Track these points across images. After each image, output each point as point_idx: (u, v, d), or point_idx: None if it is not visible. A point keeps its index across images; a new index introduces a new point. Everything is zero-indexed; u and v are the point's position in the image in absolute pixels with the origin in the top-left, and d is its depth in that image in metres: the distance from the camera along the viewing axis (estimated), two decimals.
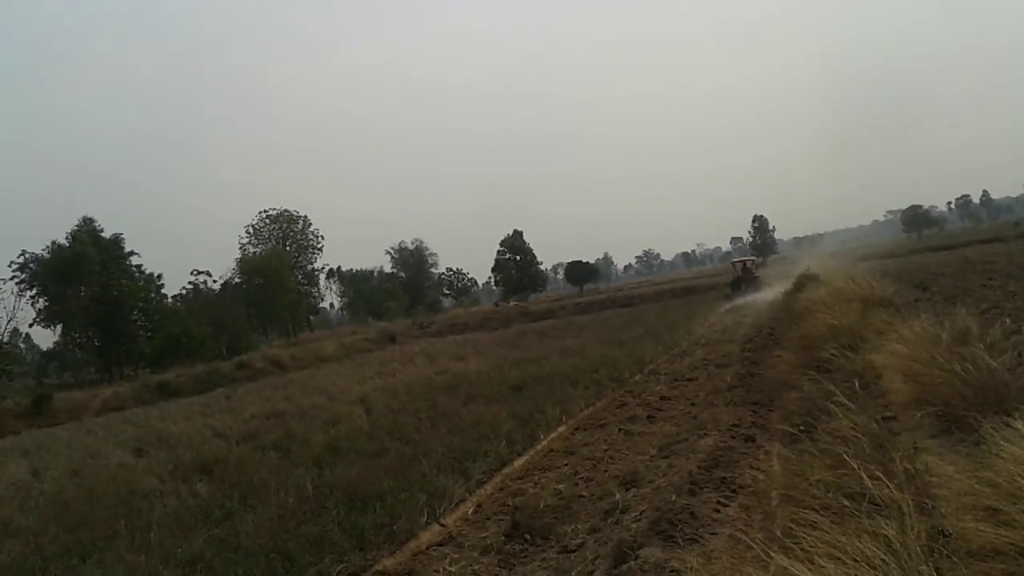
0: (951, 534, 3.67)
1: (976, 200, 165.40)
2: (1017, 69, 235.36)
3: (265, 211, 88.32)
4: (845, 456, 4.92)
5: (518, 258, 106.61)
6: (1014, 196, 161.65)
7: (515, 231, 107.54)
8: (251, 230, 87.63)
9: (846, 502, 4.12)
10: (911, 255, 55.81)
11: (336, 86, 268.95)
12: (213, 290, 73.44)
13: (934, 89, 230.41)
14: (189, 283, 74.05)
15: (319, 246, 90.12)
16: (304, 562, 7.10)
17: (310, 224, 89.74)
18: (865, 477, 4.24)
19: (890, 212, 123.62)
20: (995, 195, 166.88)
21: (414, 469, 9.89)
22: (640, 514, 7.03)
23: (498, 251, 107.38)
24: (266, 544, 7.63)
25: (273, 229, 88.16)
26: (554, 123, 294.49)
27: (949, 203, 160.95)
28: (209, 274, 74.62)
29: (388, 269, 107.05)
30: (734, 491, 7.29)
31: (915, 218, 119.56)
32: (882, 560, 3.21)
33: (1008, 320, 11.05)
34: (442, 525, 8.18)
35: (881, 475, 4.31)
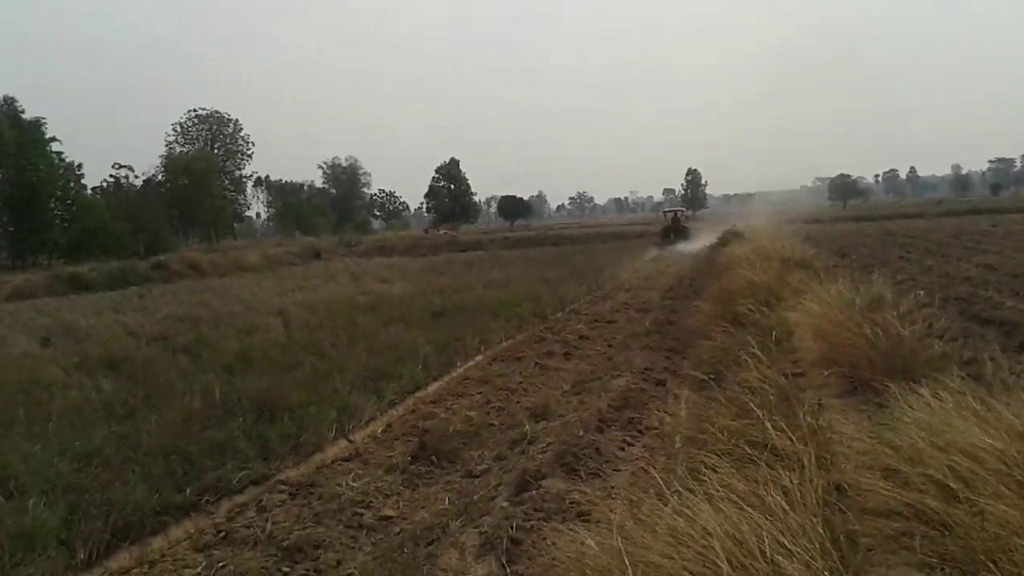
0: (847, 490, 3.77)
1: (903, 175, 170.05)
2: (949, 51, 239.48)
3: (195, 110, 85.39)
4: (752, 406, 5.00)
5: (452, 187, 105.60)
6: (940, 175, 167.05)
7: (451, 159, 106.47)
8: (179, 128, 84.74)
9: (748, 450, 4.20)
10: (835, 222, 57.10)
11: None
12: (135, 186, 70.73)
13: (876, 60, 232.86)
14: (110, 176, 70.99)
15: (249, 152, 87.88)
16: (205, 466, 6.94)
17: (241, 129, 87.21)
18: (769, 427, 4.30)
19: (819, 179, 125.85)
20: (922, 172, 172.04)
21: (327, 385, 9.70)
22: (547, 446, 7.11)
23: (433, 178, 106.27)
24: (167, 445, 7.40)
25: (202, 130, 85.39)
26: (505, 56, 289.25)
27: (877, 175, 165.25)
28: (131, 169, 71.75)
29: (320, 184, 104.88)
30: (640, 431, 7.43)
31: (842, 187, 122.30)
32: (781, 508, 3.26)
33: (922, 293, 11.45)
34: (350, 441, 8.14)
35: (785, 427, 4.39)
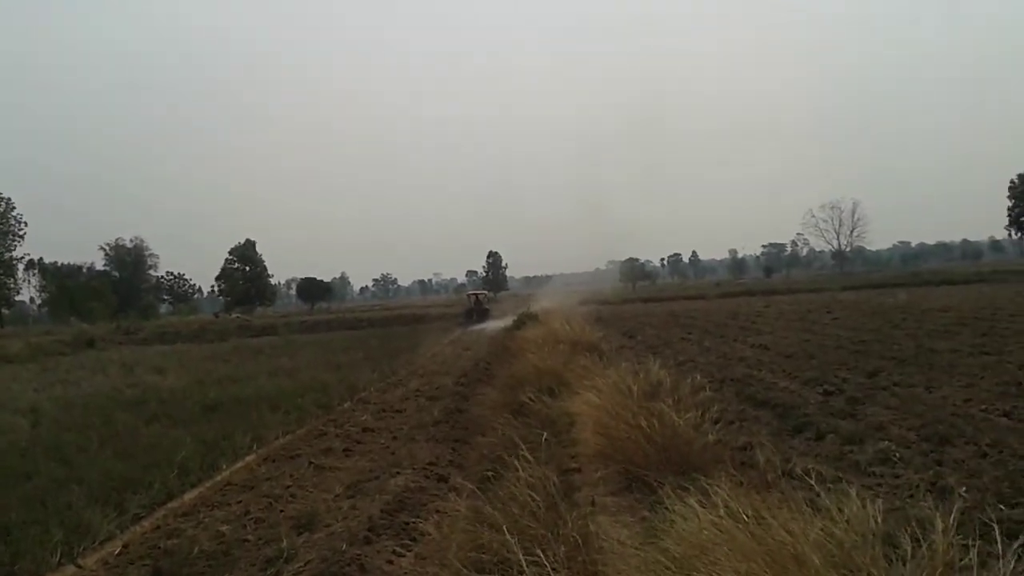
0: None
1: (686, 259, 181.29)
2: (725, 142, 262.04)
3: None
4: (507, 523, 4.52)
5: (247, 268, 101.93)
6: (718, 259, 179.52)
7: (247, 240, 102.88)
8: None
9: None
10: (625, 304, 59.62)
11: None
12: None
13: (661, 150, 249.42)
14: None
15: (21, 232, 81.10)
16: None
17: (13, 207, 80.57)
18: (518, 551, 3.82)
19: (612, 262, 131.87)
20: (702, 256, 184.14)
21: (61, 498, 8.51)
22: (305, 564, 6.34)
23: (226, 259, 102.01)
24: None
25: None
26: (298, 144, 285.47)
27: (663, 259, 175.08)
28: None
29: (101, 267, 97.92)
30: (414, 539, 6.80)
31: (632, 270, 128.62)
32: None
33: (698, 375, 11.62)
34: (78, 567, 6.96)
35: (547, 543, 3.92)
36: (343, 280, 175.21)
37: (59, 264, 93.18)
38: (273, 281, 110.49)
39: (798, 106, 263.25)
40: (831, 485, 4.57)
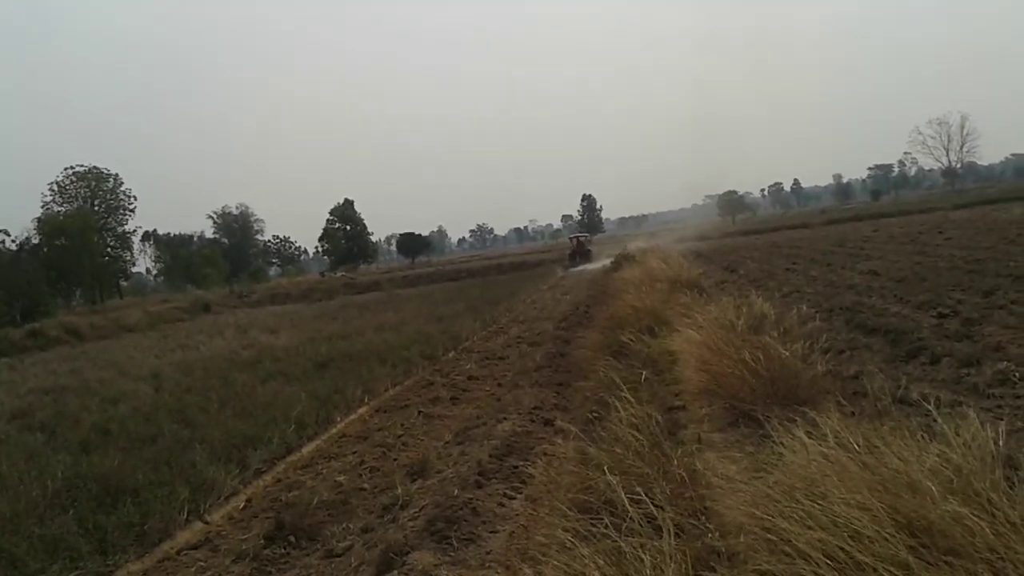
0: (719, 559, 3.27)
1: (787, 188, 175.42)
2: (831, 72, 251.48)
3: (72, 168, 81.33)
4: (612, 463, 4.51)
5: (348, 228, 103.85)
6: (822, 185, 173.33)
7: (346, 200, 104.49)
8: (56, 188, 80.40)
9: (594, 522, 3.69)
10: (725, 238, 58.41)
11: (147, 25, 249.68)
12: (11, 251, 66.65)
13: (753, 73, 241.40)
14: None
15: (131, 207, 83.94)
16: (31, 569, 6.14)
17: (121, 183, 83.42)
18: (620, 491, 3.81)
19: (708, 196, 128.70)
20: (805, 184, 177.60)
21: (186, 458, 8.92)
22: (420, 510, 6.50)
23: (327, 220, 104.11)
24: None
25: (80, 187, 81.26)
26: (389, 100, 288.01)
27: (762, 189, 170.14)
28: (7, 233, 67.53)
29: (211, 235, 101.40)
30: (523, 481, 6.88)
31: (730, 203, 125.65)
32: None
33: (805, 306, 11.30)
34: (205, 523, 7.34)
35: (653, 481, 3.90)
36: (441, 233, 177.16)
37: (171, 234, 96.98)
38: (373, 238, 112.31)
39: (901, 21, 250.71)
40: (947, 410, 4.40)
